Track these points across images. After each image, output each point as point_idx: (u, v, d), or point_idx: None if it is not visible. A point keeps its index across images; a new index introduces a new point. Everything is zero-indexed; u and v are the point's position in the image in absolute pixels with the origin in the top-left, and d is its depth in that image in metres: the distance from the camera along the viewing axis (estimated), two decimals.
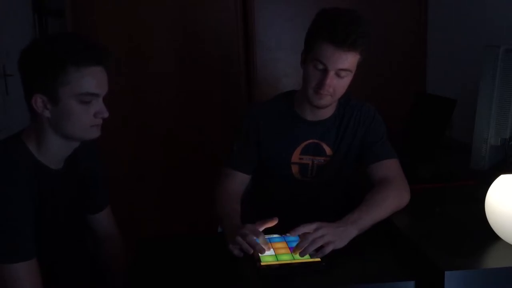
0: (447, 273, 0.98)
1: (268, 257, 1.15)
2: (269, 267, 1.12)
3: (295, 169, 1.52)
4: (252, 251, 1.16)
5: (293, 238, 1.24)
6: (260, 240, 1.18)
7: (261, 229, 1.23)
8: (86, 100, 1.13)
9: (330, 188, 1.56)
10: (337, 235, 1.18)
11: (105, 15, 2.32)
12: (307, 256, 1.15)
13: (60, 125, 1.15)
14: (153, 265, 1.21)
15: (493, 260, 1.09)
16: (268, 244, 1.20)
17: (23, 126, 1.22)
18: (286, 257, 1.15)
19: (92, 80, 1.13)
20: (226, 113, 2.44)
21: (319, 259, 1.13)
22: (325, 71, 1.35)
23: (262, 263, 1.12)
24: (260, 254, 1.15)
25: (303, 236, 1.20)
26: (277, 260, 1.14)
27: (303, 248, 1.15)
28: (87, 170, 1.34)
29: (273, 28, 2.41)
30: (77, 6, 2.29)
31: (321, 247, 1.16)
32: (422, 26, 2.50)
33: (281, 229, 1.27)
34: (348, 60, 1.34)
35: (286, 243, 1.23)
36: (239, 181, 1.51)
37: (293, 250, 1.18)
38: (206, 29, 2.39)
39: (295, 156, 1.51)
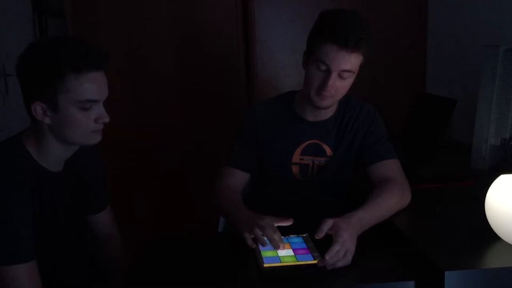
0: (447, 273, 0.98)
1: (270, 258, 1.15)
2: (272, 268, 1.12)
3: (295, 169, 1.52)
4: (266, 244, 1.16)
5: (296, 240, 1.25)
6: (276, 237, 1.17)
7: (276, 225, 1.21)
8: (86, 107, 1.12)
9: (331, 189, 1.56)
10: (353, 241, 1.15)
11: (105, 15, 2.32)
12: (310, 258, 1.15)
13: (61, 132, 1.14)
14: (153, 265, 1.21)
15: (493, 260, 1.09)
16: (283, 243, 1.19)
17: (23, 126, 1.22)
18: (289, 259, 1.15)
19: (92, 86, 1.12)
20: (226, 113, 2.44)
21: None
22: (327, 72, 1.35)
23: (264, 265, 1.12)
24: (263, 256, 1.15)
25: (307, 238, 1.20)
26: (280, 262, 1.14)
27: (332, 264, 1.11)
28: (87, 170, 1.34)
29: (273, 28, 2.41)
30: (77, 6, 2.29)
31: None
32: (422, 26, 2.50)
33: (283, 231, 1.26)
34: (351, 61, 1.34)
35: (290, 244, 1.23)
36: (239, 179, 1.51)
37: (321, 262, 1.11)
38: (206, 29, 2.39)
39: (296, 157, 1.51)
